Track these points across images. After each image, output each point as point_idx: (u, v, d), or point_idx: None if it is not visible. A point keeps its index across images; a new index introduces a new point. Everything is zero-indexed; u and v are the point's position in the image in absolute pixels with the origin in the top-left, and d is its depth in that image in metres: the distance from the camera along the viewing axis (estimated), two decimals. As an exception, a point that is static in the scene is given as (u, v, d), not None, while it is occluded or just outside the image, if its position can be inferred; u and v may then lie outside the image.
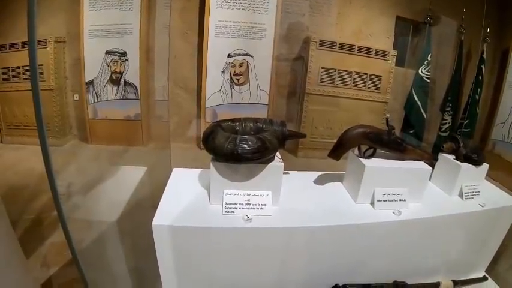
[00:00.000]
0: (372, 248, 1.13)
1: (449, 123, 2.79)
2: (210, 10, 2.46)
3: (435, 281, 1.30)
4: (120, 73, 2.65)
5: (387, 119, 1.19)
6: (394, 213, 1.12)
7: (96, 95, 2.69)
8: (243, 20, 2.45)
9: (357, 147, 1.16)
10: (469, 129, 2.85)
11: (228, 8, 2.47)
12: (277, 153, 1.01)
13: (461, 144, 1.28)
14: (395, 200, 1.14)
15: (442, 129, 2.78)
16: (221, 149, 0.87)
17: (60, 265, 1.63)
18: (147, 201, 1.82)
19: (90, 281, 1.56)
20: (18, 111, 2.76)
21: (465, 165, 1.27)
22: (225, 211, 0.92)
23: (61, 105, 2.79)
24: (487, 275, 1.47)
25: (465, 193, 1.28)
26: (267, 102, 2.48)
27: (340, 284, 1.13)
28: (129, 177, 2.22)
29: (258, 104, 2.47)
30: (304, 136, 1.16)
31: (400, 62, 2.76)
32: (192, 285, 1.01)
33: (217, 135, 0.90)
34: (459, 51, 2.75)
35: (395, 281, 1.20)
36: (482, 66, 2.81)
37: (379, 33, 2.60)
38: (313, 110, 2.52)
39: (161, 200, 0.99)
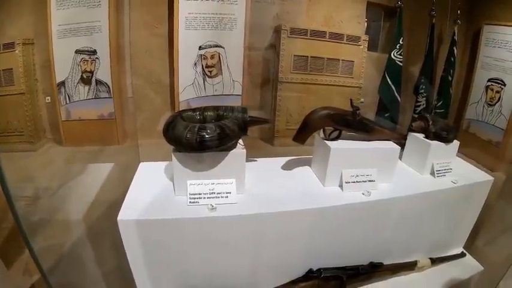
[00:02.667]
0: (345, 231, 1.12)
1: (423, 104, 2.83)
2: (179, 3, 2.42)
3: (413, 260, 1.31)
4: (91, 72, 2.59)
5: (351, 100, 1.19)
6: (363, 194, 1.11)
7: (68, 96, 2.62)
8: (212, 12, 2.42)
9: (322, 130, 1.15)
10: (443, 110, 2.91)
11: (197, 0, 2.43)
12: (240, 140, 1.00)
13: (431, 123, 1.29)
14: (364, 181, 1.13)
15: (416, 111, 2.82)
16: (180, 139, 0.86)
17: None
18: (121, 198, 1.80)
19: (73, 284, 1.54)
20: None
21: (435, 143, 1.27)
22: (190, 201, 0.91)
23: (33, 109, 2.71)
24: (465, 251, 1.49)
25: (437, 171, 1.28)
26: (240, 93, 2.46)
27: (315, 269, 1.12)
28: (104, 176, 2.20)
29: (231, 95, 2.45)
30: (267, 122, 1.14)
31: (372, 47, 2.79)
32: (164, 278, 0.99)
33: (177, 125, 0.89)
34: (430, 34, 2.78)
35: (371, 262, 1.20)
36: (454, 48, 2.86)
37: (350, 19, 2.61)
38: (287, 98, 2.51)
39: (126, 195, 0.96)
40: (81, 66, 2.59)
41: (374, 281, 1.25)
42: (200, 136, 0.85)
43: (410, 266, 1.30)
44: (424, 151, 1.29)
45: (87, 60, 2.60)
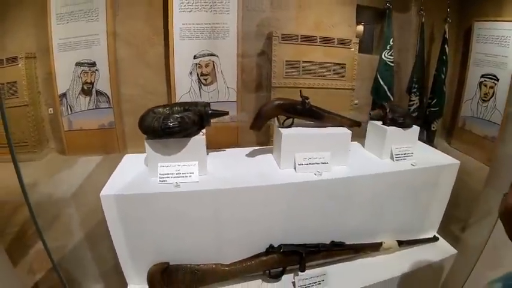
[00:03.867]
0: (300, 209, 1.21)
1: (416, 103, 2.87)
2: (173, 14, 2.50)
3: (380, 241, 1.38)
4: (92, 83, 2.68)
5: (300, 91, 1.28)
6: (315, 174, 1.20)
7: (70, 107, 2.71)
8: (205, 22, 2.50)
9: (276, 118, 1.27)
10: (437, 108, 2.94)
11: (190, 11, 2.51)
12: (203, 130, 1.16)
13: (388, 110, 1.37)
14: (317, 163, 1.22)
15: (410, 110, 2.85)
16: (149, 127, 1.04)
17: (45, 271, 1.71)
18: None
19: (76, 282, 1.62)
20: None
21: (391, 129, 1.36)
22: (160, 180, 1.07)
23: (36, 120, 2.81)
24: (437, 235, 1.54)
25: (396, 155, 1.35)
26: (235, 99, 2.52)
27: (276, 245, 1.20)
28: (105, 183, 2.28)
29: (227, 101, 2.51)
30: (226, 113, 1.23)
31: (364, 49, 2.83)
32: (140, 250, 1.12)
33: (147, 118, 1.06)
34: (421, 33, 2.83)
35: (332, 241, 1.26)
36: (446, 46, 2.90)
37: (341, 22, 2.66)
38: (281, 103, 2.57)
39: (110, 178, 1.13)
40: (81, 78, 2.69)
41: (342, 261, 1.33)
42: (164, 124, 1.02)
43: (375, 247, 1.36)
44: (381, 136, 1.37)
45: (87, 72, 2.69)
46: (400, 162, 1.36)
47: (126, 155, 1.34)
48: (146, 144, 1.08)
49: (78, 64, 2.68)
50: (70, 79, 2.69)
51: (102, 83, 2.65)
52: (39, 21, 2.64)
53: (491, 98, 2.99)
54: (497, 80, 2.94)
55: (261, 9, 2.52)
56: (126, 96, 2.61)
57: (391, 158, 1.38)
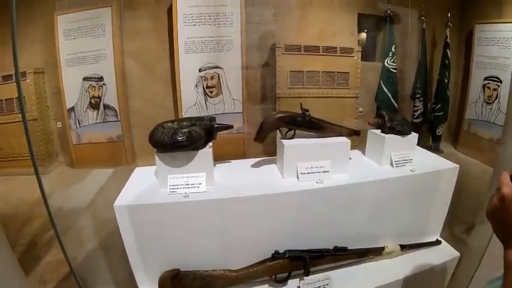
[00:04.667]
0: (304, 216, 1.26)
1: (421, 109, 2.88)
2: (178, 28, 2.55)
3: (382, 245, 1.40)
4: (99, 97, 2.73)
5: (301, 104, 1.33)
6: (316, 182, 1.25)
7: (78, 121, 2.77)
8: (209, 35, 2.54)
9: (278, 131, 1.31)
10: (442, 113, 2.95)
11: (194, 25, 2.56)
12: (210, 143, 1.20)
13: (386, 118, 1.39)
14: (318, 172, 1.27)
15: (415, 116, 2.87)
16: (159, 142, 1.09)
17: (56, 281, 1.75)
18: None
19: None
20: (4, 144, 2.82)
21: (390, 136, 1.39)
22: (170, 191, 1.11)
23: (45, 134, 2.87)
24: (440, 239, 1.54)
25: (395, 161, 1.39)
26: (241, 111, 2.56)
27: (281, 251, 1.24)
28: (114, 195, 2.31)
29: (232, 113, 2.55)
30: (231, 127, 1.29)
31: (367, 57, 2.86)
32: (152, 257, 1.18)
33: (157, 132, 1.11)
34: (422, 39, 2.85)
35: (336, 246, 1.30)
36: (448, 51, 2.92)
37: (343, 31, 2.69)
38: (286, 113, 2.59)
39: (122, 190, 1.16)
40: (89, 92, 2.74)
41: (345, 266, 1.35)
42: (173, 139, 1.07)
43: (378, 252, 1.38)
44: (380, 144, 1.40)
45: (95, 87, 2.74)
46: (399, 169, 1.39)
47: (137, 168, 1.40)
48: (156, 157, 1.13)
49: (85, 79, 2.74)
50: (78, 93, 2.75)
51: (110, 97, 2.70)
52: (47, 36, 2.71)
53: (495, 100, 2.99)
54: (500, 82, 2.95)
55: (263, 21, 2.56)
56: (133, 109, 2.66)
57: (391, 164, 1.40)
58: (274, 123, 1.28)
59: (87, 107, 2.76)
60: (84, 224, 2.20)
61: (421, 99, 2.85)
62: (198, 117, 1.24)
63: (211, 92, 2.55)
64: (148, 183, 1.21)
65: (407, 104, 2.90)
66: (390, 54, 2.66)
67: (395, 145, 1.40)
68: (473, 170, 2.83)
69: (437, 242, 1.54)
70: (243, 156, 2.50)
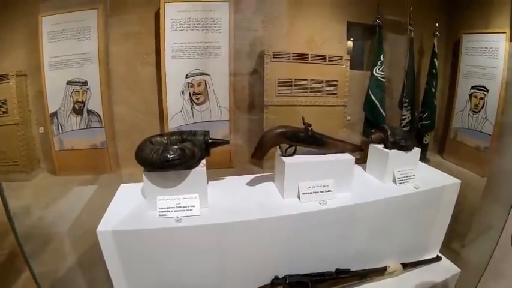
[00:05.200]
0: (305, 239, 1.19)
1: (408, 117, 2.89)
2: (165, 33, 2.50)
3: (385, 265, 1.36)
4: (83, 102, 2.66)
5: (303, 118, 1.25)
6: (319, 203, 1.18)
7: (61, 126, 2.69)
8: (197, 41, 2.51)
9: (278, 147, 1.24)
10: (429, 121, 2.97)
11: (182, 30, 2.52)
12: (203, 160, 1.11)
13: (389, 133, 1.35)
14: (321, 192, 1.20)
15: (402, 125, 2.88)
16: (147, 160, 1.00)
17: None
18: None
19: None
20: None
21: (393, 152, 1.34)
22: (159, 214, 1.02)
23: (27, 139, 2.78)
24: (440, 255, 1.52)
25: (398, 178, 1.34)
26: (228, 119, 2.53)
27: (281, 276, 1.17)
28: (96, 204, 2.25)
29: (219, 121, 2.52)
30: (227, 142, 1.20)
31: (355, 65, 2.86)
32: (140, 285, 1.09)
33: (145, 149, 1.03)
34: (410, 48, 2.86)
35: (337, 269, 1.25)
36: (435, 60, 2.94)
37: (332, 39, 2.69)
38: (273, 121, 2.56)
39: (106, 211, 1.08)
40: (72, 97, 2.66)
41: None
42: (163, 157, 0.98)
43: (380, 272, 1.34)
44: (383, 160, 1.35)
45: (79, 91, 2.67)
46: (402, 186, 1.34)
47: (122, 185, 1.29)
48: (144, 177, 1.04)
49: (69, 83, 2.66)
50: (61, 98, 2.67)
51: (94, 102, 2.63)
52: (31, 38, 2.63)
53: (481, 109, 3.02)
54: (487, 91, 2.98)
55: (252, 27, 2.54)
56: (118, 115, 2.60)
57: (394, 181, 1.36)
58: (275, 138, 1.21)
59: (71, 112, 2.69)
60: (65, 236, 2.12)
61: (409, 108, 2.87)
62: (190, 131, 1.16)
63: (197, 99, 2.51)
64: (135, 204, 1.11)
65: (394, 112, 2.91)
66: (379, 63, 2.67)
67: (399, 161, 1.35)
68: (461, 177, 2.85)
69: (438, 259, 1.51)
70: (230, 165, 2.46)
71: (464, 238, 1.79)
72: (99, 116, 2.62)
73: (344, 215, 1.21)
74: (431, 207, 1.41)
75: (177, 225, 1.01)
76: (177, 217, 1.03)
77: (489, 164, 2.76)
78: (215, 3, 2.57)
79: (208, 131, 1.15)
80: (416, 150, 1.41)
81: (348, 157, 1.26)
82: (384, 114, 2.71)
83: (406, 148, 1.37)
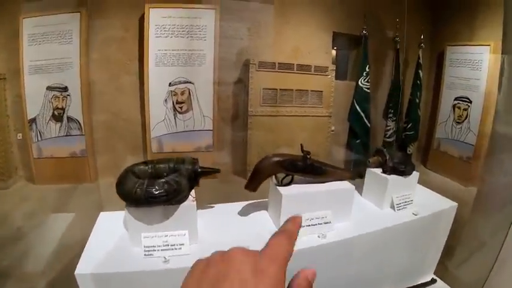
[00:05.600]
0: None
1: (393, 128, 2.91)
2: (149, 40, 2.46)
3: None
4: (63, 109, 2.58)
5: (301, 145, 1.18)
6: (318, 236, 1.12)
7: (40, 133, 2.61)
8: (182, 48, 2.47)
9: (274, 176, 1.15)
10: (412, 132, 3.00)
11: (166, 37, 2.47)
12: (192, 192, 1.02)
13: (388, 157, 1.30)
14: (320, 224, 1.14)
15: (386, 136, 2.90)
16: (130, 195, 0.90)
17: None
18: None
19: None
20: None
21: (393, 177, 1.29)
22: (145, 254, 0.94)
23: (5, 145, 2.68)
24: (435, 277, 1.50)
25: (397, 204, 1.30)
26: (211, 128, 2.49)
27: None
28: (75, 217, 2.17)
29: (203, 130, 2.48)
30: (218, 171, 1.11)
31: (341, 76, 2.87)
32: None
33: (127, 181, 0.93)
34: (396, 59, 2.89)
35: None
36: (420, 71, 2.97)
37: (317, 49, 2.69)
38: (258, 131, 2.56)
39: (85, 248, 0.98)
40: (52, 103, 2.59)
41: None
42: (148, 192, 0.89)
43: None
44: (382, 186, 1.30)
45: (59, 97, 2.59)
46: (401, 212, 1.30)
47: (102, 213, 1.16)
48: (127, 213, 0.95)
49: (49, 88, 2.58)
50: (40, 103, 2.59)
51: (74, 109, 2.55)
52: (11, 40, 2.54)
53: (465, 120, 3.07)
54: (470, 102, 3.03)
55: (238, 36, 2.52)
56: (98, 123, 2.53)
57: (392, 207, 1.31)
58: (271, 168, 1.13)
59: (50, 119, 2.61)
60: (43, 250, 2.03)
61: (393, 118, 2.89)
62: (178, 158, 1.06)
63: (181, 107, 2.46)
64: (117, 240, 1.02)
65: (379, 123, 2.93)
66: (364, 74, 2.68)
67: (397, 186, 1.31)
68: (444, 187, 2.89)
69: (433, 281, 1.47)
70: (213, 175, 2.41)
71: (455, 254, 1.77)
72: (80, 123, 2.55)
73: (343, 247, 1.16)
74: (429, 231, 1.38)
75: (165, 267, 0.92)
76: (165, 258, 0.94)
77: (476, 177, 2.80)
78: (201, 10, 2.54)
79: (197, 159, 1.06)
80: (415, 174, 1.37)
81: (348, 186, 1.21)
82: (368, 125, 2.72)
83: (405, 173, 1.32)
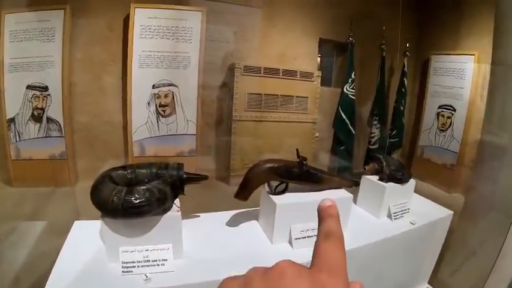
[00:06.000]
0: None
1: (377, 135, 2.94)
2: (134, 40, 2.41)
3: None
4: (43, 109, 2.51)
5: (297, 150, 1.10)
6: None
7: (18, 134, 2.53)
8: (166, 50, 2.43)
9: (267, 184, 1.08)
10: (397, 139, 3.03)
11: (151, 38, 2.43)
12: (176, 201, 0.93)
13: (384, 164, 1.25)
14: (315, 235, 1.10)
15: (371, 142, 2.93)
16: (106, 204, 0.80)
17: None
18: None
19: None
20: None
21: (390, 185, 1.25)
22: (123, 271, 0.84)
23: (-18, 146, 2.60)
24: (429, 287, 1.48)
25: (394, 213, 1.25)
26: (195, 133, 2.46)
27: None
28: (53, 223, 2.11)
29: (186, 134, 2.44)
30: (205, 178, 1.02)
31: (326, 82, 2.88)
32: None
33: (104, 188, 0.82)
34: (381, 67, 2.92)
35: None
36: (405, 79, 3.01)
37: (303, 55, 2.69)
38: (242, 136, 2.55)
39: (55, 263, 0.88)
40: (32, 102, 2.51)
41: None
42: (127, 202, 0.79)
43: None
44: (379, 194, 1.25)
45: (39, 97, 2.51)
46: (398, 221, 1.26)
47: (76, 221, 1.07)
48: (103, 224, 0.85)
49: (29, 87, 2.50)
50: (20, 103, 2.51)
51: (54, 110, 2.48)
52: (-9, 36, 2.46)
53: (448, 127, 3.12)
54: (454, 110, 3.08)
55: (224, 39, 2.49)
56: (79, 125, 2.47)
57: (389, 216, 1.27)
58: (264, 175, 1.05)
59: (29, 119, 2.53)
60: (9, 260, 1.95)
61: (378, 125, 2.92)
62: (161, 163, 0.96)
63: (164, 111, 2.42)
64: (92, 254, 0.92)
65: (363, 130, 2.96)
66: (350, 81, 2.70)
67: (394, 194, 1.27)
68: (429, 194, 2.93)
69: None
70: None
71: (447, 263, 1.76)
72: (60, 124, 2.48)
73: None
74: (425, 240, 1.35)
75: (146, 287, 0.82)
76: (146, 275, 0.83)
77: (460, 184, 2.85)
78: (187, 11, 2.51)
79: (182, 164, 0.96)
80: (412, 182, 1.33)
81: (346, 195, 1.15)
82: (353, 131, 2.74)
83: (402, 181, 1.28)
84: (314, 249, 0.30)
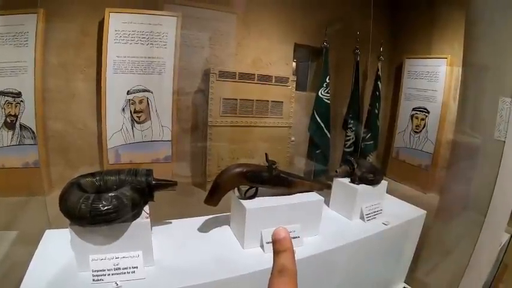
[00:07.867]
0: None
1: (352, 138, 3.01)
2: (108, 45, 2.40)
3: None
4: (15, 116, 2.47)
5: (266, 154, 1.11)
6: None
7: (-10, 141, 2.48)
8: (141, 55, 2.43)
9: (236, 189, 1.08)
10: (372, 142, 3.11)
11: (125, 43, 2.42)
12: (146, 207, 0.93)
13: (356, 166, 1.27)
14: None
15: (346, 145, 2.99)
16: (74, 211, 0.80)
17: None
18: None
19: None
20: None
21: (362, 187, 1.26)
22: (93, 279, 0.84)
23: (-49, 153, 2.53)
24: (406, 286, 1.51)
25: (366, 215, 1.27)
26: (170, 139, 2.47)
27: None
28: (27, 233, 2.08)
29: (161, 141, 2.45)
30: (175, 184, 1.01)
31: (301, 87, 2.93)
32: None
33: (71, 195, 0.82)
34: (356, 71, 2.99)
35: None
36: (379, 83, 3.08)
37: (279, 60, 2.73)
38: (217, 142, 2.56)
39: (26, 273, 0.88)
40: (4, 109, 2.46)
41: None
42: (94, 209, 0.79)
43: None
44: (351, 196, 1.26)
45: (11, 103, 2.47)
46: (371, 222, 1.28)
47: (47, 230, 1.07)
48: (72, 232, 0.85)
49: (1, 93, 2.46)
50: (-8, 109, 2.47)
51: (27, 117, 2.44)
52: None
53: (422, 129, 3.21)
54: (428, 112, 3.17)
55: (199, 45, 2.51)
56: (53, 132, 2.44)
57: (361, 218, 1.28)
58: (233, 180, 1.04)
59: (2, 126, 2.48)
60: None
61: (353, 129, 2.99)
62: (130, 169, 0.95)
63: (139, 117, 2.42)
64: (63, 263, 0.91)
65: (339, 133, 3.02)
66: (324, 85, 2.75)
67: (366, 196, 1.28)
68: (404, 195, 3.02)
69: None
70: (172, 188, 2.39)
71: (423, 261, 1.79)
72: (33, 132, 2.45)
73: (314, 263, 1.08)
74: (399, 240, 1.37)
75: None
76: (116, 283, 0.84)
77: (435, 184, 2.92)
78: (162, 16, 2.51)
79: (151, 170, 0.96)
80: (384, 183, 1.35)
81: (317, 197, 1.15)
82: (328, 135, 2.80)
83: (374, 182, 1.30)
84: (268, 285, 0.32)
